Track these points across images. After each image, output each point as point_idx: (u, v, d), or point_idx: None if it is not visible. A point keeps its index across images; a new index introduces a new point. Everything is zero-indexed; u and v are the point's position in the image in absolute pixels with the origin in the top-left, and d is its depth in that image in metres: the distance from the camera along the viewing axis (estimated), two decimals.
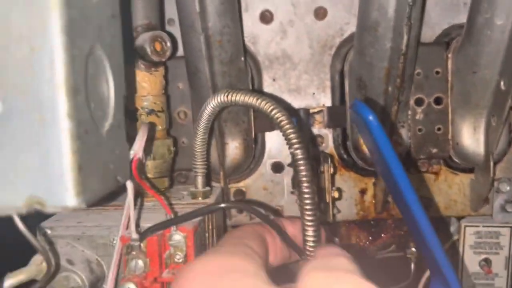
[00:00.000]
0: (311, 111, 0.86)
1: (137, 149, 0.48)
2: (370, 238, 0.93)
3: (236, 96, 0.57)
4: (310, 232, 0.53)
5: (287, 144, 0.54)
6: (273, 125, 0.86)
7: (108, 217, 0.59)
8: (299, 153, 0.53)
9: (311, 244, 0.53)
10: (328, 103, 0.86)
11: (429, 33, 0.83)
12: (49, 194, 0.34)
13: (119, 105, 0.43)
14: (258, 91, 0.85)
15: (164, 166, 0.67)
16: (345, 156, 0.87)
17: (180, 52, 0.78)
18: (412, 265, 0.96)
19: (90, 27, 0.39)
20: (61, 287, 0.50)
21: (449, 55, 0.80)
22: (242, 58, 0.76)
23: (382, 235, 0.94)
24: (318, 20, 0.84)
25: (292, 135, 0.54)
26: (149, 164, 0.65)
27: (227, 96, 0.58)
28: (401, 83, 0.72)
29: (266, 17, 0.83)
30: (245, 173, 0.87)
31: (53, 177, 0.33)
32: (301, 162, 0.53)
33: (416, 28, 0.74)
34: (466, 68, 0.77)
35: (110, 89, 0.42)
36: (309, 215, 0.52)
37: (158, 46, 0.63)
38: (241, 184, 0.88)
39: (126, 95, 0.45)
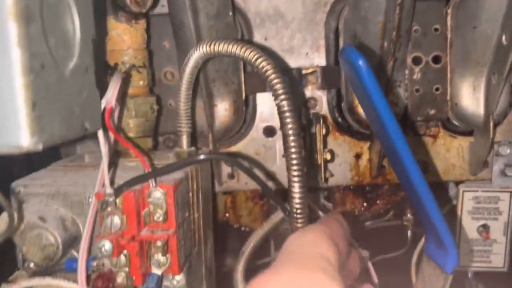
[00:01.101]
0: (304, 72, 0.82)
1: (109, 97, 0.45)
2: (366, 204, 0.90)
3: (219, 46, 0.54)
4: (296, 188, 0.50)
5: (273, 95, 0.51)
6: (265, 85, 0.82)
7: (86, 176, 0.56)
8: (285, 105, 0.50)
9: (297, 200, 0.50)
10: (322, 63, 0.82)
11: None
12: (2, 133, 0.30)
13: (86, 46, 0.40)
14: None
15: (147, 125, 0.64)
16: (339, 120, 0.83)
17: (166, 9, 0.74)
18: (409, 232, 0.94)
19: None
20: (33, 246, 0.47)
21: (449, 11, 0.76)
22: (230, 13, 0.72)
23: (378, 201, 0.91)
24: None
25: (278, 85, 0.50)
26: (131, 122, 0.62)
27: (209, 45, 0.54)
28: (397, 37, 0.68)
29: None
30: (236, 137, 0.84)
31: (5, 114, 0.30)
32: (287, 114, 0.49)
33: None
34: (466, 23, 0.73)
35: (75, 27, 0.39)
36: (295, 170, 0.49)
37: None
38: (232, 149, 0.85)
39: (95, 39, 0.42)
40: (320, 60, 0.82)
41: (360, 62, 0.44)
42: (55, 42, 0.35)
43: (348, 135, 0.84)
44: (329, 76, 0.81)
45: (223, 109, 0.79)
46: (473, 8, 0.70)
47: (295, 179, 0.50)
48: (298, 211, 0.51)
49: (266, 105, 0.84)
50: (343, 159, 0.84)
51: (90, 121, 0.40)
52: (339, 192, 0.90)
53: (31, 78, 0.30)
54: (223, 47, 0.53)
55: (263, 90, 0.82)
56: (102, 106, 0.44)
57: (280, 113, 0.50)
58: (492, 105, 0.74)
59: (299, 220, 0.51)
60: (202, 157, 0.51)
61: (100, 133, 0.43)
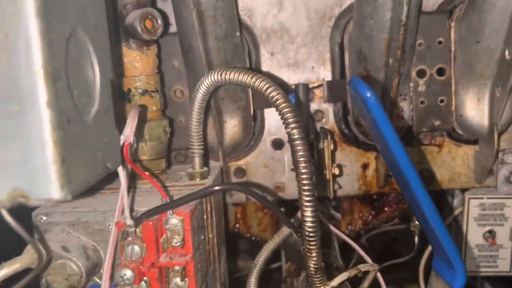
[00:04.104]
0: (310, 85, 0.84)
1: (127, 133, 0.47)
2: (373, 212, 0.92)
3: (230, 75, 0.55)
4: (308, 212, 0.52)
5: (284, 123, 0.53)
6: None
7: (104, 202, 0.58)
8: (295, 133, 0.51)
9: (309, 224, 0.52)
10: (328, 77, 0.84)
11: (431, 1, 0.80)
12: (33, 186, 0.32)
13: (106, 90, 0.42)
14: (256, 67, 0.82)
15: (161, 147, 0.66)
16: (346, 131, 0.85)
17: (174, 28, 0.76)
18: (416, 238, 0.96)
19: (71, 9, 0.37)
20: (57, 275, 0.49)
21: (452, 24, 0.77)
22: (238, 33, 0.74)
23: (385, 209, 0.93)
24: None
25: (288, 114, 0.52)
26: (145, 146, 0.64)
27: (220, 74, 0.56)
28: (402, 55, 0.69)
29: None
30: (245, 150, 0.86)
31: (35, 170, 0.32)
32: (298, 142, 0.51)
33: None
34: (470, 37, 0.74)
35: (95, 73, 0.40)
36: (307, 196, 0.51)
37: (148, 24, 0.61)
38: (241, 162, 0.87)
39: (113, 79, 0.44)
40: (326, 73, 0.84)
41: (368, 94, 0.46)
42: (78, 93, 0.36)
43: (354, 146, 0.86)
44: (335, 90, 0.82)
45: (232, 125, 0.81)
46: (476, 23, 0.72)
47: (307, 204, 0.51)
48: (311, 234, 0.53)
49: (273, 119, 0.85)
50: (350, 170, 0.86)
51: (111, 161, 0.42)
52: (347, 201, 0.92)
53: (59, 134, 0.32)
54: (233, 76, 0.55)
55: (271, 105, 0.83)
56: (121, 142, 0.46)
57: (291, 140, 0.52)
58: (496, 117, 0.75)
59: (312, 240, 0.53)
60: (216, 188, 0.53)
61: (120, 170, 0.45)
